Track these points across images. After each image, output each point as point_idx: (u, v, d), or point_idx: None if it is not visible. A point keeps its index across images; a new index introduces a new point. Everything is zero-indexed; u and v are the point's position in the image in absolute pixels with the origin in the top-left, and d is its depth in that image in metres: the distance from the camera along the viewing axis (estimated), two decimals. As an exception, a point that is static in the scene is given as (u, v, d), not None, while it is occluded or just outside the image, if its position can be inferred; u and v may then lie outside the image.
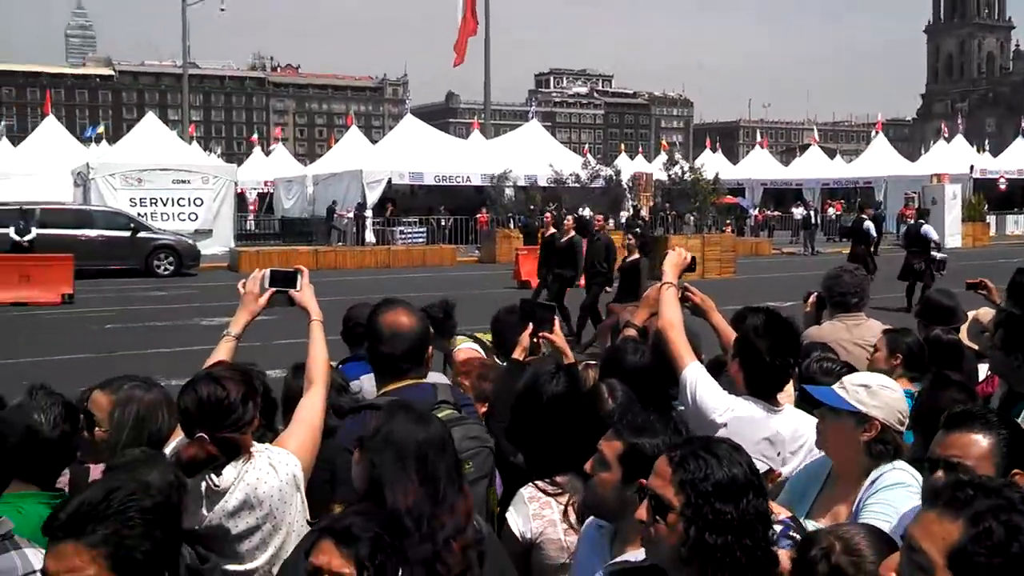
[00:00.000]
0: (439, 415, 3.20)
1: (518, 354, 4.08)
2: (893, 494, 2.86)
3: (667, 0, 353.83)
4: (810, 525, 2.69)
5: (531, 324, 4.14)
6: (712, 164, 45.53)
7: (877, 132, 60.13)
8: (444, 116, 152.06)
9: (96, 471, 3.25)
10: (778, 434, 3.39)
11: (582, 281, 15.67)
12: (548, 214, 19.60)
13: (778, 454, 3.43)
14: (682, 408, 3.80)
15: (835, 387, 3.11)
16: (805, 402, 3.50)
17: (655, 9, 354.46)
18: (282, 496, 2.93)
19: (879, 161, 52.24)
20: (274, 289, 3.58)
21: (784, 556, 2.32)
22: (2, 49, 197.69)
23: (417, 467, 2.51)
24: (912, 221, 20.46)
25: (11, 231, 23.72)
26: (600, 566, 2.56)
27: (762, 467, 2.75)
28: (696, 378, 3.59)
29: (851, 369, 4.01)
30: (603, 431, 3.11)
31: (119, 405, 3.27)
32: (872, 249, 21.72)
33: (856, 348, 5.07)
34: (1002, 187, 45.83)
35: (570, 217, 17.69)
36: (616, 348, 4.15)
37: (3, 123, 64.82)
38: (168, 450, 3.08)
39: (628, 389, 3.59)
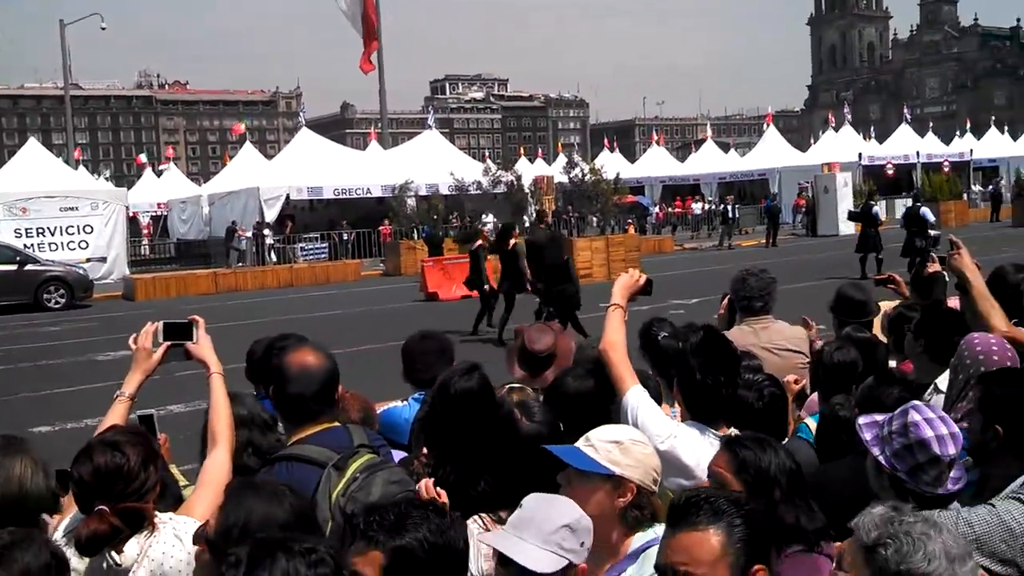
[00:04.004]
0: (358, 461, 3.05)
1: None
2: None
3: (551, 3, 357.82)
4: None
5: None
6: (611, 163, 45.98)
7: (768, 124, 61.56)
8: (340, 127, 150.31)
9: None
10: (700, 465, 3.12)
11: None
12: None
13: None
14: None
15: (581, 445, 2.74)
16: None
17: (541, 9, 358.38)
18: (191, 570, 2.70)
19: (771, 153, 53.39)
20: (168, 343, 3.40)
21: None
22: None
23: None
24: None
25: None
26: None
27: None
28: (638, 403, 3.40)
29: (773, 381, 3.92)
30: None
31: None
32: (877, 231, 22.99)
33: (764, 352, 4.95)
34: (889, 172, 47.28)
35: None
36: (559, 376, 3.92)
37: None
38: (63, 526, 2.85)
39: (550, 410, 3.45)
